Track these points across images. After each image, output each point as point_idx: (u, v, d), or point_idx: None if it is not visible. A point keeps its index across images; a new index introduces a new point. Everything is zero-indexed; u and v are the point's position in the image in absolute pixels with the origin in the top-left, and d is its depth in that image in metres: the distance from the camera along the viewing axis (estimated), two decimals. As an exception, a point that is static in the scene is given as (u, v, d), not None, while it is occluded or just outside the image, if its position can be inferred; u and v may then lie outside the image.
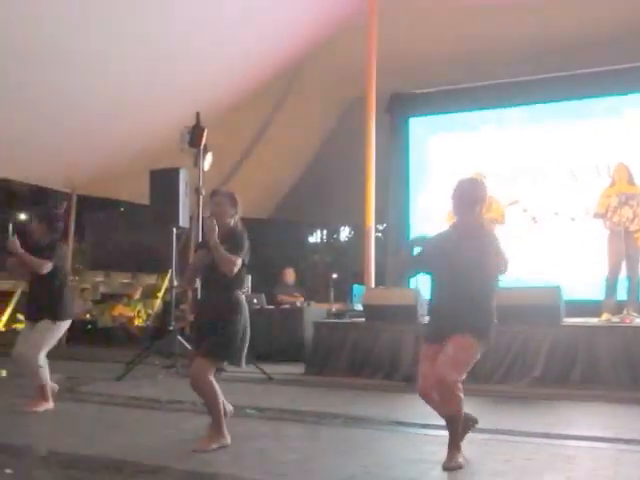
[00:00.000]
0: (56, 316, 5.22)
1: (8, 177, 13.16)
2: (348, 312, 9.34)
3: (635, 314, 6.90)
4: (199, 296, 4.40)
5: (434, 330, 3.75)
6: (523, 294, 6.66)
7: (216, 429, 3.94)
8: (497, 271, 3.61)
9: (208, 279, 4.22)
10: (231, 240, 4.09)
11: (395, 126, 11.27)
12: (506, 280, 4.08)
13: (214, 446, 3.87)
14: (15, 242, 5.04)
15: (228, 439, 3.95)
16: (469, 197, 3.73)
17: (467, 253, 3.60)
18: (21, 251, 5.07)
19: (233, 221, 4.21)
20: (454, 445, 3.51)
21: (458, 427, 3.54)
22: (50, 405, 5.14)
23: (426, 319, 3.98)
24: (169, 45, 8.67)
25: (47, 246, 5.27)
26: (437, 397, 3.55)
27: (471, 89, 10.53)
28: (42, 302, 5.23)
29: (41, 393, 5.12)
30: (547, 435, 4.23)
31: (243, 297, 4.18)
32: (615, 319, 6.87)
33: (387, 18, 8.37)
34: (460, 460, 3.46)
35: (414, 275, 4.01)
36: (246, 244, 4.13)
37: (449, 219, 7.81)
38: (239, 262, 4.01)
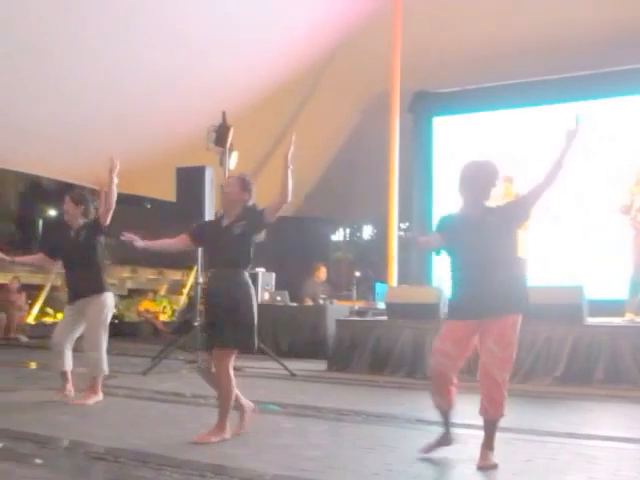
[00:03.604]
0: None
1: (39, 174, 13.34)
2: (371, 310, 9.31)
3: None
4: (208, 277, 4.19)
5: (466, 307, 3.54)
6: (546, 293, 6.57)
7: (221, 422, 3.95)
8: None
9: (215, 259, 4.11)
10: (249, 216, 4.04)
11: (419, 124, 11.19)
12: (530, 279, 4.02)
13: (214, 439, 3.88)
14: None
15: (229, 433, 3.96)
16: (486, 179, 3.62)
17: (494, 226, 3.53)
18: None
19: (246, 205, 4.09)
20: (491, 445, 3.46)
21: (496, 429, 3.48)
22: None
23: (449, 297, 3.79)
24: (197, 43, 8.72)
25: (98, 228, 5.30)
26: (481, 397, 3.46)
27: (495, 88, 10.40)
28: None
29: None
30: (570, 435, 4.18)
31: (248, 277, 4.09)
32: (639, 319, 6.79)
33: (412, 17, 8.32)
34: (495, 461, 3.40)
35: (438, 253, 3.88)
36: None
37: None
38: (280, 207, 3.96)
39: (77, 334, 5.39)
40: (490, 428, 3.48)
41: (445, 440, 3.66)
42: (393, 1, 8.31)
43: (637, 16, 8.51)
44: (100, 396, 5.27)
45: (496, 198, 4.00)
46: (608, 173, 9.20)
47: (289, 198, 3.94)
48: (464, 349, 3.56)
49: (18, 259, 6.15)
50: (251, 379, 6.84)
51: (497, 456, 3.72)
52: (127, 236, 4.66)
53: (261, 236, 4.19)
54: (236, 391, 4.06)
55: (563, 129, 3.60)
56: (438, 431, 3.79)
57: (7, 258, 5.50)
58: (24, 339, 11.20)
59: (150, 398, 5.49)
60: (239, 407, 4.13)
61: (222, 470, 3.25)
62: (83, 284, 5.29)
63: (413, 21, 8.31)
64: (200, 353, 4.15)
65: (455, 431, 3.66)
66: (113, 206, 5.28)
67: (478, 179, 3.62)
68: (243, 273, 4.06)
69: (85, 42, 8.21)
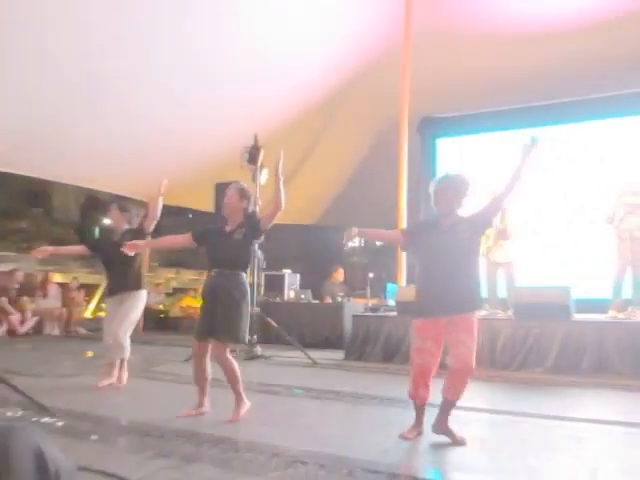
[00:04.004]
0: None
1: (96, 188, 13.49)
2: (382, 307, 9.27)
3: (639, 311, 6.74)
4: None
5: (431, 305, 3.52)
6: (537, 293, 6.56)
7: (238, 399, 4.01)
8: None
9: (218, 260, 4.04)
10: (248, 224, 4.03)
11: (424, 145, 11.19)
12: (524, 281, 3.98)
13: (242, 413, 3.96)
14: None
15: (248, 403, 4.03)
16: (458, 191, 3.58)
17: (462, 234, 3.51)
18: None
19: (245, 213, 4.08)
20: (447, 417, 3.51)
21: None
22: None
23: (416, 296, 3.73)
24: (234, 79, 8.82)
25: (139, 234, 5.25)
26: (454, 382, 3.46)
27: (489, 113, 10.37)
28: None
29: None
30: (560, 418, 4.14)
31: (246, 279, 4.06)
32: (621, 315, 6.72)
33: (418, 54, 8.33)
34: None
35: (405, 250, 3.89)
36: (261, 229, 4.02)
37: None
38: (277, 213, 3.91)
39: None
40: (450, 407, 3.52)
41: (421, 426, 3.63)
42: (403, 41, 8.31)
43: (621, 48, 8.47)
44: (113, 378, 5.19)
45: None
46: (597, 188, 9.09)
47: (283, 206, 3.90)
48: (440, 344, 3.55)
49: (60, 249, 6.06)
50: (280, 367, 6.85)
51: (494, 436, 3.69)
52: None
53: (260, 240, 4.19)
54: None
55: (520, 145, 3.61)
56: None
57: (50, 249, 5.43)
58: (82, 331, 11.29)
59: (190, 382, 5.48)
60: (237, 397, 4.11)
61: (254, 446, 3.25)
62: (122, 281, 5.29)
63: (419, 58, 8.32)
64: (193, 341, 4.09)
65: (454, 412, 3.62)
66: (158, 217, 5.29)
67: (447, 191, 3.58)
68: (242, 275, 4.03)
69: (143, 76, 8.33)
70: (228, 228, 4.08)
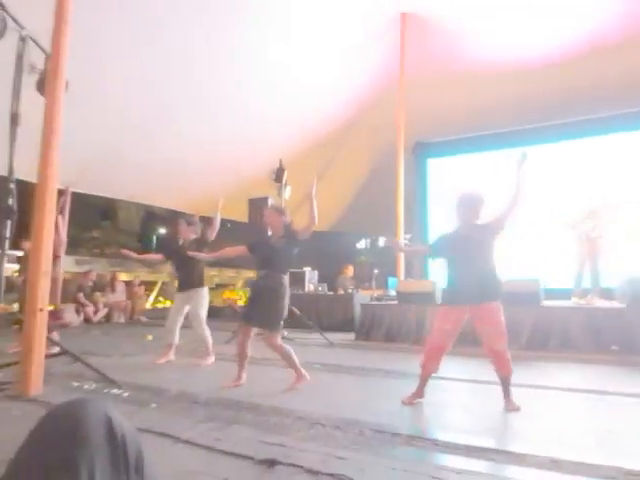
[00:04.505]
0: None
1: (153, 204, 13.62)
2: (385, 297, 9.25)
3: (596, 298, 6.65)
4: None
5: (457, 296, 3.49)
6: (513, 284, 6.47)
7: (297, 373, 4.06)
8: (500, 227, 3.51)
9: (264, 265, 4.06)
10: (288, 235, 4.06)
11: (418, 165, 11.13)
12: (502, 275, 3.93)
13: (300, 384, 4.00)
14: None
15: (307, 376, 4.06)
16: (475, 205, 3.56)
17: (478, 238, 3.49)
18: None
19: (284, 226, 4.11)
20: (509, 394, 3.44)
21: (510, 383, 3.46)
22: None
23: (444, 289, 3.71)
24: (262, 114, 8.87)
25: (203, 242, 5.39)
26: (495, 362, 3.45)
27: (472, 137, 10.33)
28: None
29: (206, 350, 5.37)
30: (532, 386, 4.10)
31: (287, 279, 4.10)
32: (582, 302, 6.65)
33: (412, 89, 8.32)
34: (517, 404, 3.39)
35: (434, 259, 3.84)
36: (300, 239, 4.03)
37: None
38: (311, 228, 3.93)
39: (183, 316, 5.47)
40: (505, 382, 3.47)
41: (422, 393, 3.60)
42: (398, 81, 8.29)
43: (585, 81, 8.37)
44: (212, 358, 5.34)
45: None
46: (563, 198, 8.97)
47: (316, 221, 3.93)
48: (458, 327, 3.51)
49: (143, 256, 6.30)
50: (302, 346, 6.83)
51: (478, 402, 3.66)
52: (125, 252, 5.34)
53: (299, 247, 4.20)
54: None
55: (513, 161, 3.61)
56: (434, 383, 3.75)
57: (134, 255, 5.57)
58: (144, 319, 11.36)
59: (231, 360, 5.48)
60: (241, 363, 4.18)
61: (281, 411, 3.25)
62: (190, 279, 5.38)
63: (412, 94, 8.31)
64: (238, 325, 4.18)
65: (446, 384, 3.58)
66: (218, 228, 5.44)
67: (466, 204, 3.58)
68: (283, 277, 4.06)
69: (194, 108, 8.43)
70: (272, 239, 4.15)
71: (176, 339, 5.43)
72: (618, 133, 9.05)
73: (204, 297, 5.45)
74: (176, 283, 5.63)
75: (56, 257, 5.52)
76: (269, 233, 4.26)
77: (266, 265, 4.07)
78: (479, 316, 3.42)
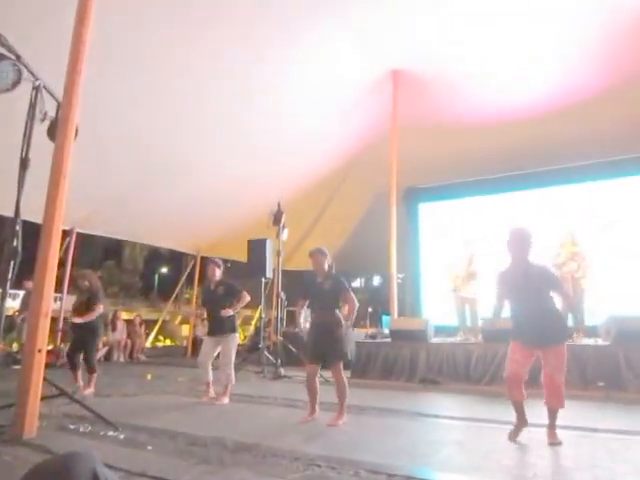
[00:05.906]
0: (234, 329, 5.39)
1: (156, 245, 13.60)
2: (379, 334, 9.13)
3: (581, 336, 6.61)
4: (312, 318, 4.38)
5: (527, 337, 3.47)
6: (502, 322, 6.39)
7: (341, 408, 4.11)
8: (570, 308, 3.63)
9: (318, 304, 4.27)
10: (333, 279, 4.26)
11: (410, 209, 11.22)
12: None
13: (341, 422, 4.02)
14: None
15: (346, 417, 4.10)
16: (527, 240, 3.58)
17: (538, 279, 3.49)
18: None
19: (328, 266, 4.33)
20: (554, 427, 3.41)
21: (557, 416, 3.43)
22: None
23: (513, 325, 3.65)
24: (258, 162, 8.97)
25: (235, 290, 5.38)
26: (548, 395, 3.45)
27: (461, 183, 10.48)
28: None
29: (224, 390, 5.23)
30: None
31: (340, 313, 4.26)
32: (569, 341, 6.54)
33: (404, 137, 8.46)
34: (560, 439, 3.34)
35: (500, 309, 3.78)
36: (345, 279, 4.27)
37: (451, 277, 7.68)
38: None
39: (214, 357, 5.40)
40: (553, 415, 3.45)
41: (523, 423, 3.54)
42: (391, 129, 8.42)
43: (569, 132, 8.54)
44: (227, 399, 5.19)
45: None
46: (548, 239, 9.01)
47: (355, 312, 4.25)
48: (529, 358, 3.51)
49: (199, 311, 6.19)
50: (299, 384, 6.67)
51: (470, 439, 3.52)
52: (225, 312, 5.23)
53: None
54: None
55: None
56: (429, 421, 3.64)
57: (231, 312, 5.35)
58: (143, 358, 11.13)
59: (231, 399, 5.36)
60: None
61: (277, 452, 3.13)
62: (223, 325, 5.30)
63: (404, 142, 8.42)
64: (307, 365, 4.24)
65: (442, 421, 3.48)
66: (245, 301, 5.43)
67: (517, 240, 3.59)
68: (336, 313, 4.23)
69: (205, 156, 8.52)
70: (319, 279, 4.30)
71: (210, 377, 5.37)
72: (596, 182, 9.26)
73: (234, 342, 5.36)
74: (207, 326, 5.48)
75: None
76: (314, 274, 4.36)
77: (319, 304, 4.26)
78: (549, 354, 3.44)
